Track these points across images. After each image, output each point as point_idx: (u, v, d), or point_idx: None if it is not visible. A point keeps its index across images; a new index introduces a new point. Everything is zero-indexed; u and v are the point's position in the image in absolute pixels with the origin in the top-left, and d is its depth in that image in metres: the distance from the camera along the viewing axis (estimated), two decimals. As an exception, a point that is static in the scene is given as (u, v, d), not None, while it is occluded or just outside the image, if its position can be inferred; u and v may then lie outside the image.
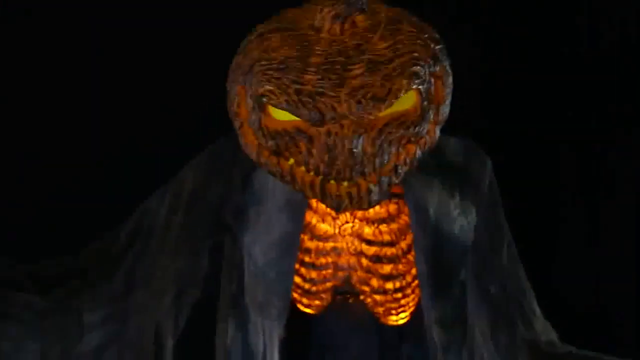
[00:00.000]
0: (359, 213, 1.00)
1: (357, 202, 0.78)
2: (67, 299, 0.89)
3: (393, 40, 0.75)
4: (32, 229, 1.08)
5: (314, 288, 1.06)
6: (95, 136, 1.26)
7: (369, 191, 0.78)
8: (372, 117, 0.74)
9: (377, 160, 0.76)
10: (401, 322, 1.14)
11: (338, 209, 0.81)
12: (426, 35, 0.78)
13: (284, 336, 1.03)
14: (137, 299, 0.94)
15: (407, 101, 0.77)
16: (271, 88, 0.73)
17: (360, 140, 0.74)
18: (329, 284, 1.05)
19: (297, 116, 0.75)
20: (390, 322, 1.12)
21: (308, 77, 0.71)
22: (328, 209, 0.98)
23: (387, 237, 1.02)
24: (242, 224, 0.99)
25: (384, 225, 1.01)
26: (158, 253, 0.96)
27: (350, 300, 1.08)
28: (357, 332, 1.12)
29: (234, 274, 1.03)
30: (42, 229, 1.07)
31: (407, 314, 1.12)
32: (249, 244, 1.00)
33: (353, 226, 1.01)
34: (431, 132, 0.81)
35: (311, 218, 1.01)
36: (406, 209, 1.00)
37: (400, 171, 0.80)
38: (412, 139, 0.78)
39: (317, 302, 1.08)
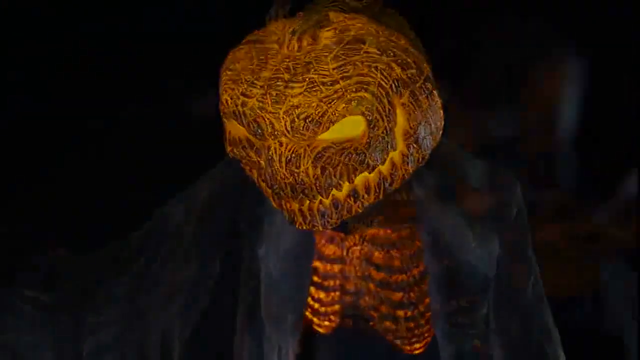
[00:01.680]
0: (368, 236, 0.95)
1: (310, 222, 0.76)
2: (72, 297, 0.92)
3: (345, 61, 0.70)
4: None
5: (322, 309, 1.03)
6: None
7: (321, 213, 0.75)
8: (306, 139, 0.71)
9: (321, 184, 0.73)
10: (417, 352, 1.08)
11: (293, 224, 0.78)
12: (392, 59, 0.72)
13: (299, 353, 1.01)
14: (143, 303, 0.96)
15: (354, 127, 0.72)
16: (226, 97, 0.74)
17: (299, 160, 0.72)
18: (337, 307, 1.02)
19: (243, 127, 0.74)
20: (405, 351, 1.07)
21: (255, 90, 0.71)
22: (335, 230, 0.96)
23: (397, 263, 0.96)
24: (258, 234, 0.98)
25: (395, 250, 0.96)
26: (168, 259, 0.97)
27: (360, 325, 1.04)
28: (368, 357, 1.08)
29: (252, 286, 1.02)
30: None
31: (422, 344, 1.06)
32: (263, 255, 0.99)
33: (362, 249, 0.96)
34: (398, 163, 0.75)
35: (320, 237, 0.98)
36: (420, 234, 0.94)
37: (362, 199, 0.76)
38: (359, 167, 0.73)
39: (326, 322, 1.05)
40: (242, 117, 0.73)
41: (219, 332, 1.06)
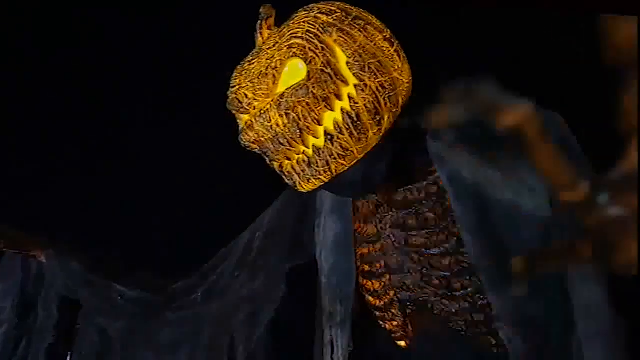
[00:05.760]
0: (397, 201, 0.92)
1: (304, 176, 0.83)
2: (156, 295, 1.06)
3: (282, 29, 0.85)
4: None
5: (381, 303, 0.96)
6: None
7: (308, 162, 0.82)
8: (266, 93, 0.83)
9: (291, 129, 0.82)
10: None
11: (295, 186, 0.85)
12: (317, 12, 0.85)
13: (352, 349, 0.96)
14: (213, 309, 1.04)
15: (298, 72, 0.82)
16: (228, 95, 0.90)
17: (268, 114, 0.83)
18: (391, 293, 0.94)
19: (233, 111, 0.87)
20: (492, 348, 0.89)
21: (236, 80, 0.87)
22: (369, 207, 0.96)
23: (431, 223, 0.89)
24: (314, 240, 1.03)
25: (425, 209, 0.90)
26: (237, 271, 1.07)
27: (423, 313, 0.92)
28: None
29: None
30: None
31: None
32: (318, 256, 1.01)
33: (392, 217, 0.93)
34: (355, 96, 0.81)
35: (359, 221, 0.97)
36: None
37: (337, 140, 0.81)
38: (311, 102, 0.81)
39: (394, 322, 0.96)
40: (232, 103, 0.87)
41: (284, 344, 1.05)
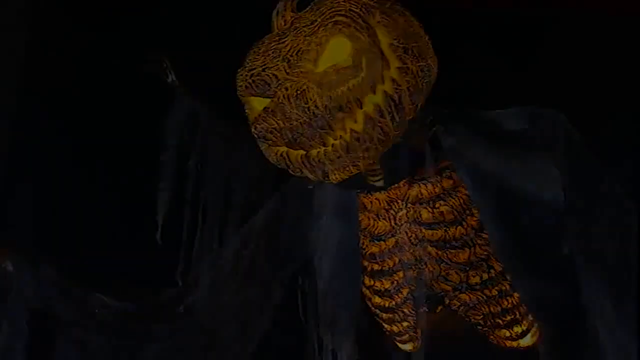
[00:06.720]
0: (411, 196, 0.90)
1: (340, 163, 0.77)
2: (140, 307, 0.95)
3: (319, 7, 0.80)
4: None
5: (392, 302, 0.93)
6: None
7: (346, 148, 0.76)
8: (305, 72, 0.76)
9: (332, 110, 0.75)
10: (525, 342, 0.88)
11: (326, 177, 0.79)
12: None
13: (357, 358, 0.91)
14: (203, 322, 0.96)
15: (341, 51, 0.77)
16: (238, 81, 0.82)
17: (305, 95, 0.76)
18: (404, 291, 0.91)
19: (254, 95, 0.81)
20: (509, 344, 0.88)
21: (257, 62, 0.80)
22: (380, 204, 0.93)
23: (449, 216, 0.88)
24: (311, 245, 0.98)
25: (441, 202, 0.88)
26: (226, 283, 1.00)
27: (438, 310, 0.90)
28: None
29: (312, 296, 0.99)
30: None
31: (523, 327, 0.87)
32: (317, 262, 0.96)
33: (407, 212, 0.90)
34: (398, 79, 0.77)
35: (368, 220, 0.94)
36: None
37: (378, 124, 0.77)
38: (357, 82, 0.76)
39: (404, 323, 0.93)
40: (253, 85, 0.80)
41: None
